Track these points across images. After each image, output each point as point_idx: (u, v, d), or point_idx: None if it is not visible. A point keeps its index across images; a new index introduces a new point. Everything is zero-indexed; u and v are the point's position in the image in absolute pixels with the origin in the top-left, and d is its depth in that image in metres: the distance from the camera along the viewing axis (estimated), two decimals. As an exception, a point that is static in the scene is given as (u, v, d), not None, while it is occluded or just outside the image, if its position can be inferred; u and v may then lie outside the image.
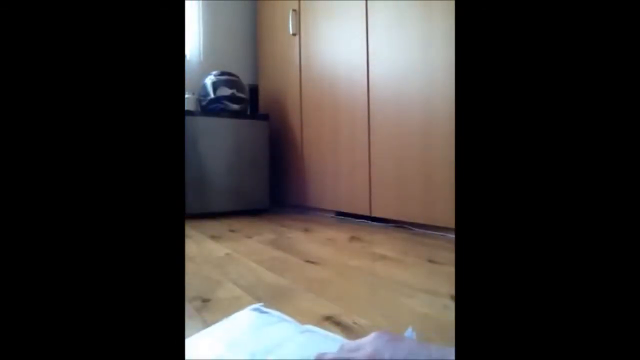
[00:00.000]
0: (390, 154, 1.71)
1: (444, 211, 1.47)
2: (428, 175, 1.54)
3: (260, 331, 0.54)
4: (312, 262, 1.14)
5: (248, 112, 2.46)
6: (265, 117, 2.39)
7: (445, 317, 0.70)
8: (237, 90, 2.30)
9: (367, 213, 1.85)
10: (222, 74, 2.35)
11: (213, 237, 1.55)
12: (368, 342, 0.43)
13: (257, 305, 0.62)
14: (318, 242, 1.44)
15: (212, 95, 2.26)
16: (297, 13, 2.32)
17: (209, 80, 2.31)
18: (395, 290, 0.85)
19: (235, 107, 2.27)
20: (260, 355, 0.47)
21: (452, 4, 1.45)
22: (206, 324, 0.65)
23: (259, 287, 0.91)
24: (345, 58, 1.96)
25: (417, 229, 1.62)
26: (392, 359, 0.39)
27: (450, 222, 1.46)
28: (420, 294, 0.81)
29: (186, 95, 2.36)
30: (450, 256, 1.18)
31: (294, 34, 2.34)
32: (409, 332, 0.51)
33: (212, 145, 2.17)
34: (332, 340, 0.53)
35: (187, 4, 2.68)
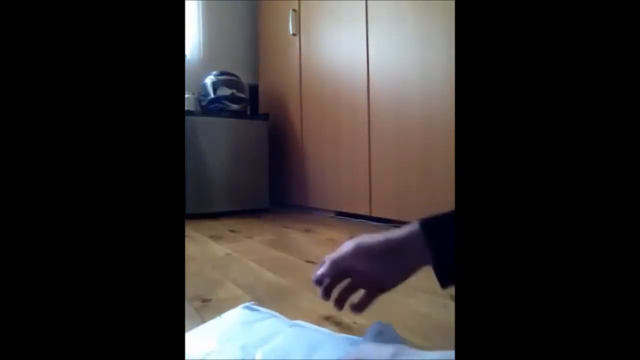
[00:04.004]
0: (391, 154, 1.71)
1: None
2: (428, 176, 1.54)
3: (251, 326, 0.55)
4: (313, 262, 1.14)
5: (248, 112, 2.46)
6: (265, 117, 2.39)
7: (445, 317, 0.70)
8: (237, 90, 2.30)
9: (367, 213, 1.85)
10: (222, 74, 2.35)
11: (213, 237, 1.55)
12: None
13: (248, 304, 0.63)
14: (318, 243, 1.44)
15: (212, 95, 2.26)
16: (297, 13, 2.32)
17: (209, 80, 2.31)
18: (395, 290, 0.85)
19: (235, 107, 2.27)
20: (250, 348, 0.48)
21: (452, 4, 1.45)
22: (206, 324, 0.65)
23: (259, 287, 0.91)
24: (345, 58, 1.96)
25: (417, 229, 1.62)
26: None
27: (451, 222, 1.46)
28: (420, 294, 0.81)
29: (186, 95, 2.35)
30: (451, 256, 1.18)
31: (294, 34, 2.33)
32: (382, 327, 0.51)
33: (212, 145, 2.16)
34: (321, 334, 0.54)
35: (187, 4, 2.68)
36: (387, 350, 0.41)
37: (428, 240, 0.52)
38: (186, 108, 2.22)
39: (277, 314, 0.61)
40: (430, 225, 0.53)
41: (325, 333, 0.54)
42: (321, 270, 0.54)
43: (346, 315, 0.71)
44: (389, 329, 0.51)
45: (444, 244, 0.50)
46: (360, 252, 0.53)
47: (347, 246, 0.55)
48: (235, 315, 0.59)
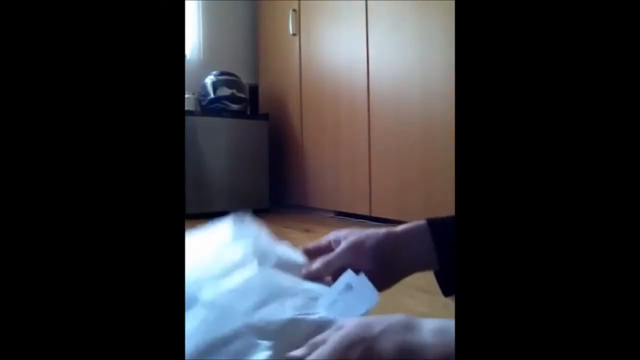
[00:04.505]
0: (391, 154, 1.71)
1: (444, 212, 1.47)
2: (428, 176, 1.54)
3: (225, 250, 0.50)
4: (312, 262, 1.13)
5: (248, 112, 2.46)
6: (265, 117, 2.39)
7: (445, 317, 0.70)
8: (237, 90, 2.30)
9: (367, 213, 1.85)
10: (222, 74, 2.35)
11: (213, 237, 1.55)
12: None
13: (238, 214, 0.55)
14: (318, 242, 1.43)
15: (212, 95, 2.26)
16: (297, 13, 2.32)
17: (209, 80, 2.31)
18: (395, 290, 0.85)
19: (235, 107, 2.27)
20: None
21: (452, 4, 1.45)
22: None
23: (259, 287, 0.91)
24: (345, 58, 1.96)
25: (417, 229, 1.62)
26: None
27: (450, 222, 1.46)
28: (420, 294, 0.81)
29: (186, 95, 2.35)
30: (450, 256, 1.18)
31: (294, 34, 2.33)
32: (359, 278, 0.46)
33: (212, 145, 2.16)
34: (288, 281, 0.47)
35: (187, 4, 2.68)
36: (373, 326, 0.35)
37: (434, 240, 0.50)
38: (186, 108, 2.22)
39: (262, 235, 0.54)
40: (437, 224, 0.52)
41: (293, 280, 0.48)
42: (314, 270, 0.50)
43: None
44: (361, 280, 0.45)
45: (449, 247, 0.49)
46: (358, 251, 0.50)
47: (340, 245, 0.50)
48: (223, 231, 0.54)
